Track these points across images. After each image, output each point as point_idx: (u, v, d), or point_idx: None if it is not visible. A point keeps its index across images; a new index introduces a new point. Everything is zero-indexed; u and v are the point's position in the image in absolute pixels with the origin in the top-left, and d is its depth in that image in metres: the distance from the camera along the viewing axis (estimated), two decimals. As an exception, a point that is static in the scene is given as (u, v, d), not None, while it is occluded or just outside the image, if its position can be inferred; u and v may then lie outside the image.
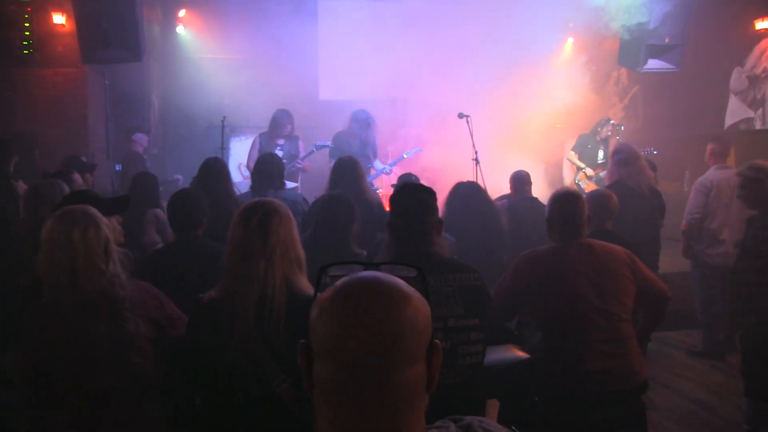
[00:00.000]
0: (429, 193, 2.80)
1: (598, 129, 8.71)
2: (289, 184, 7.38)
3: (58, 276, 2.35)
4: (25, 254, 4.31)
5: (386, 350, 1.09)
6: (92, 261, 2.37)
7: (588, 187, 8.63)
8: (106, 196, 3.85)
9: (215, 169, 4.63)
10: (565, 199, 3.35)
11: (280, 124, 7.09)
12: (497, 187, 6.56)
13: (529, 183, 5.73)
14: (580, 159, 8.73)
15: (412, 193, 2.81)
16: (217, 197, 4.36)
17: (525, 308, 3.34)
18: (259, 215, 2.39)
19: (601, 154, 8.66)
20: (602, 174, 8.50)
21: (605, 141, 8.74)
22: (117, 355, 2.38)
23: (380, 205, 4.90)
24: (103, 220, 2.46)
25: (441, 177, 9.02)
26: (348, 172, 4.81)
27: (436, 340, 1.16)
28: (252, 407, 2.31)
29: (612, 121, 8.54)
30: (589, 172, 8.61)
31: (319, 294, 1.19)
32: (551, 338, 3.26)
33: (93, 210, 2.46)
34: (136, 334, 2.41)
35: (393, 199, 2.86)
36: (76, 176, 5.21)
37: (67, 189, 4.50)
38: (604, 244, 3.34)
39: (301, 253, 2.46)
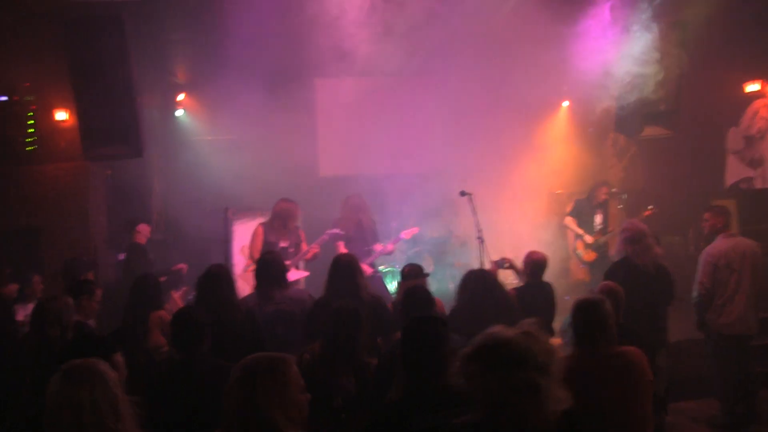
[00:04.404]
0: (441, 324, 2.80)
1: (594, 193, 8.70)
2: (300, 273, 7.37)
3: None
4: (27, 374, 4.28)
5: None
6: (101, 422, 2.32)
7: (586, 255, 8.57)
8: (105, 333, 3.81)
9: (218, 278, 4.60)
10: (589, 307, 3.38)
11: (293, 216, 7.07)
12: (500, 253, 6.54)
13: (545, 267, 5.62)
14: (578, 225, 8.68)
15: (424, 326, 2.81)
16: (220, 307, 4.34)
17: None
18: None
19: (598, 219, 8.62)
20: (601, 241, 8.44)
21: (604, 205, 8.70)
22: None
23: (378, 304, 4.81)
24: (111, 375, 2.43)
25: (448, 249, 9.06)
26: (344, 270, 4.80)
27: None
28: None
29: (613, 189, 8.55)
30: (588, 239, 8.53)
31: None
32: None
33: (100, 366, 2.42)
34: None
35: (405, 332, 2.85)
36: (98, 291, 5.18)
37: (71, 304, 4.47)
38: (625, 352, 3.34)
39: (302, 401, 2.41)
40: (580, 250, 8.62)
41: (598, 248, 8.43)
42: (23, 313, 5.72)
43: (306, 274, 7.61)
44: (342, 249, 7.36)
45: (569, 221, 8.77)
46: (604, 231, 8.50)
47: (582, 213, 8.68)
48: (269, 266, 4.97)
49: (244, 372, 2.41)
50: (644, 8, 7.30)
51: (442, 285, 8.37)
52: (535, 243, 6.80)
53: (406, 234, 7.83)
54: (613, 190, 8.56)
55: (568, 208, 9.11)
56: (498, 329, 2.07)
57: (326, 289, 4.73)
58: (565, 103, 10.70)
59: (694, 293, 6.09)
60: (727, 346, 5.98)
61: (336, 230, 7.37)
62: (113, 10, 6.81)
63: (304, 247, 7.20)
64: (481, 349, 2.06)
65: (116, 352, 3.04)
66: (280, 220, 7.10)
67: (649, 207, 8.26)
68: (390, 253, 7.91)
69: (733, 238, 6.06)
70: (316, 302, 4.76)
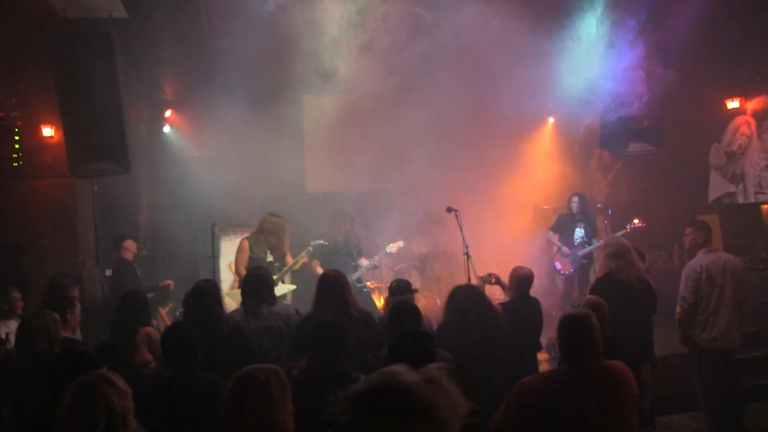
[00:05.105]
0: (427, 338, 2.82)
1: (569, 204, 8.82)
2: (287, 287, 7.36)
3: None
4: (11, 391, 4.26)
5: None
6: None
7: (564, 267, 8.66)
8: (91, 347, 3.81)
9: (206, 293, 4.60)
10: (575, 322, 3.34)
11: (282, 230, 7.06)
12: (486, 269, 6.56)
13: (531, 282, 5.55)
14: (560, 239, 8.79)
15: (411, 340, 2.82)
16: (209, 322, 4.33)
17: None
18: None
19: (578, 232, 8.72)
20: (579, 253, 8.54)
21: (588, 218, 8.79)
22: None
23: (367, 319, 4.77)
24: (108, 402, 2.47)
25: (434, 264, 9.09)
26: (333, 287, 4.75)
27: None
28: None
29: (598, 204, 8.64)
30: (565, 251, 8.64)
31: None
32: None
33: (102, 388, 2.50)
34: None
35: (393, 346, 2.86)
36: (78, 309, 5.15)
37: (58, 320, 4.45)
38: (611, 366, 3.33)
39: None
40: (558, 262, 8.73)
41: (575, 260, 8.53)
42: (4, 329, 5.66)
43: (292, 287, 7.63)
44: (318, 268, 7.39)
45: (550, 236, 8.92)
46: (585, 244, 8.58)
47: (564, 227, 8.80)
48: (254, 281, 4.96)
49: (256, 381, 2.46)
50: (629, 26, 7.42)
51: (429, 300, 8.40)
52: (521, 258, 6.83)
53: (391, 247, 7.85)
54: (598, 205, 8.64)
55: (552, 223, 9.22)
56: (400, 370, 1.72)
57: (314, 305, 4.72)
58: (551, 120, 10.82)
59: (678, 307, 6.11)
60: (711, 360, 5.95)
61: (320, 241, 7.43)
62: (102, 27, 6.84)
63: (290, 260, 7.22)
64: (375, 392, 1.68)
65: (101, 367, 3.04)
66: (270, 235, 7.10)
67: (635, 221, 8.33)
68: (376, 267, 7.92)
69: (714, 252, 6.05)
70: (304, 318, 4.75)
